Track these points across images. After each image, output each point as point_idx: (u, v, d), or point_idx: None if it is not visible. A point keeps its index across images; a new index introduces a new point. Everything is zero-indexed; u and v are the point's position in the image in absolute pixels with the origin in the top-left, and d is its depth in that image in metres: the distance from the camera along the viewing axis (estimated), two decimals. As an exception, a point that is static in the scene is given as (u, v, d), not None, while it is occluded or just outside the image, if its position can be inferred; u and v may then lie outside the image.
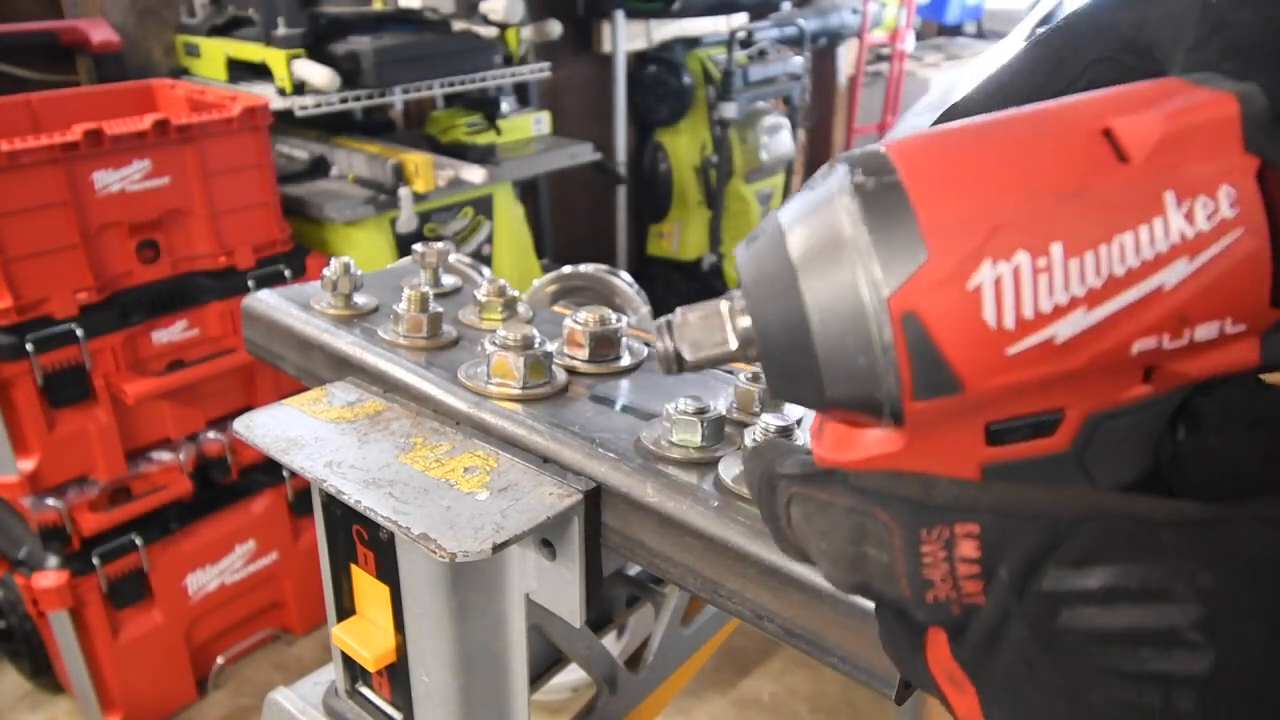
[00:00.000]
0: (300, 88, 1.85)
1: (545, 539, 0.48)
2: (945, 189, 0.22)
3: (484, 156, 2.11)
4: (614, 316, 0.57)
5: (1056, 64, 0.28)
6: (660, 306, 0.57)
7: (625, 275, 0.80)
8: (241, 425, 0.52)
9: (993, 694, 0.23)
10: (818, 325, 0.24)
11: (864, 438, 0.25)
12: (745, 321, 0.26)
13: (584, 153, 2.36)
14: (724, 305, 0.27)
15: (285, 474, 1.92)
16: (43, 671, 1.84)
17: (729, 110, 3.05)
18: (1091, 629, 0.21)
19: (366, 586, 0.56)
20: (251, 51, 1.89)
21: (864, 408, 0.24)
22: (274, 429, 0.52)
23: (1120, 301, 0.22)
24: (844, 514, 0.25)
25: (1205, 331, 0.22)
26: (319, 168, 2.07)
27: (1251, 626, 0.19)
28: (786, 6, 3.47)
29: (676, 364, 0.28)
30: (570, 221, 3.10)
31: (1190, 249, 0.22)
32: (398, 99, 1.98)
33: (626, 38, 2.91)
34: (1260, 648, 0.19)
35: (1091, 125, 0.23)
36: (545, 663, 0.64)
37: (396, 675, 0.57)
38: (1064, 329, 0.22)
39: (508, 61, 2.23)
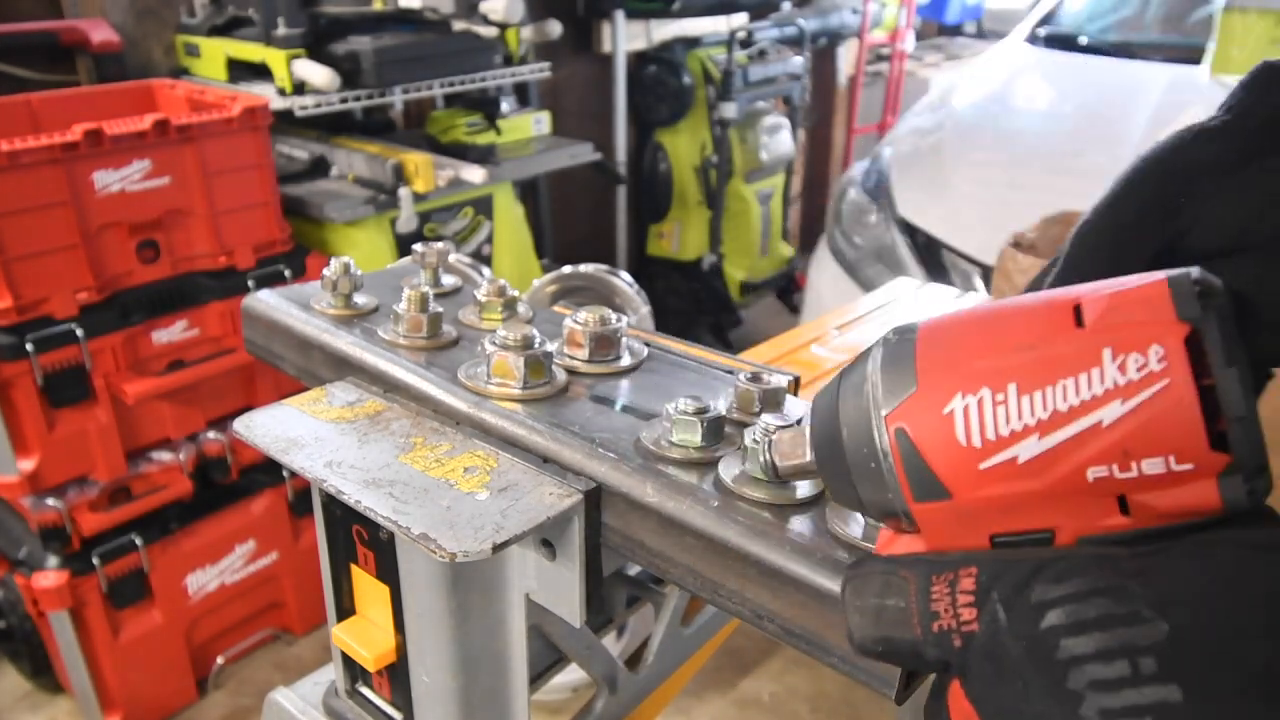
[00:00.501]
0: (300, 88, 1.85)
1: (545, 539, 0.48)
2: (940, 344, 0.31)
3: (484, 156, 2.11)
4: (614, 316, 0.57)
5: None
6: (660, 306, 0.57)
7: (625, 275, 0.80)
8: (241, 425, 0.52)
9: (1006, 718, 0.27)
10: (846, 439, 0.32)
11: (900, 540, 0.33)
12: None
13: (584, 153, 2.36)
14: (806, 429, 0.36)
15: (285, 474, 1.92)
16: (43, 671, 1.84)
17: (729, 110, 3.05)
18: (1068, 624, 0.25)
19: (366, 586, 0.56)
20: (251, 51, 1.89)
21: (885, 512, 0.32)
22: (274, 429, 0.52)
23: (1066, 432, 0.28)
24: (876, 577, 0.31)
25: (1152, 466, 0.27)
26: (319, 168, 2.07)
27: (1190, 600, 0.25)
28: (786, 6, 3.47)
29: (774, 471, 0.37)
30: (570, 221, 3.10)
31: (1123, 393, 0.27)
32: (398, 99, 1.98)
33: (626, 38, 2.91)
34: (1199, 614, 0.24)
35: (1068, 302, 0.29)
36: (545, 663, 0.64)
37: (396, 675, 0.57)
38: (1023, 451, 0.28)
39: (508, 61, 2.23)
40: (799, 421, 0.41)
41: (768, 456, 0.36)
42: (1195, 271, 0.28)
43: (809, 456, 0.35)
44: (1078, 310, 0.29)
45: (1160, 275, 0.29)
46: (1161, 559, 0.26)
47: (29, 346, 1.49)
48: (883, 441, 0.30)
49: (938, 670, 0.30)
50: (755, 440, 0.36)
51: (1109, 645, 0.24)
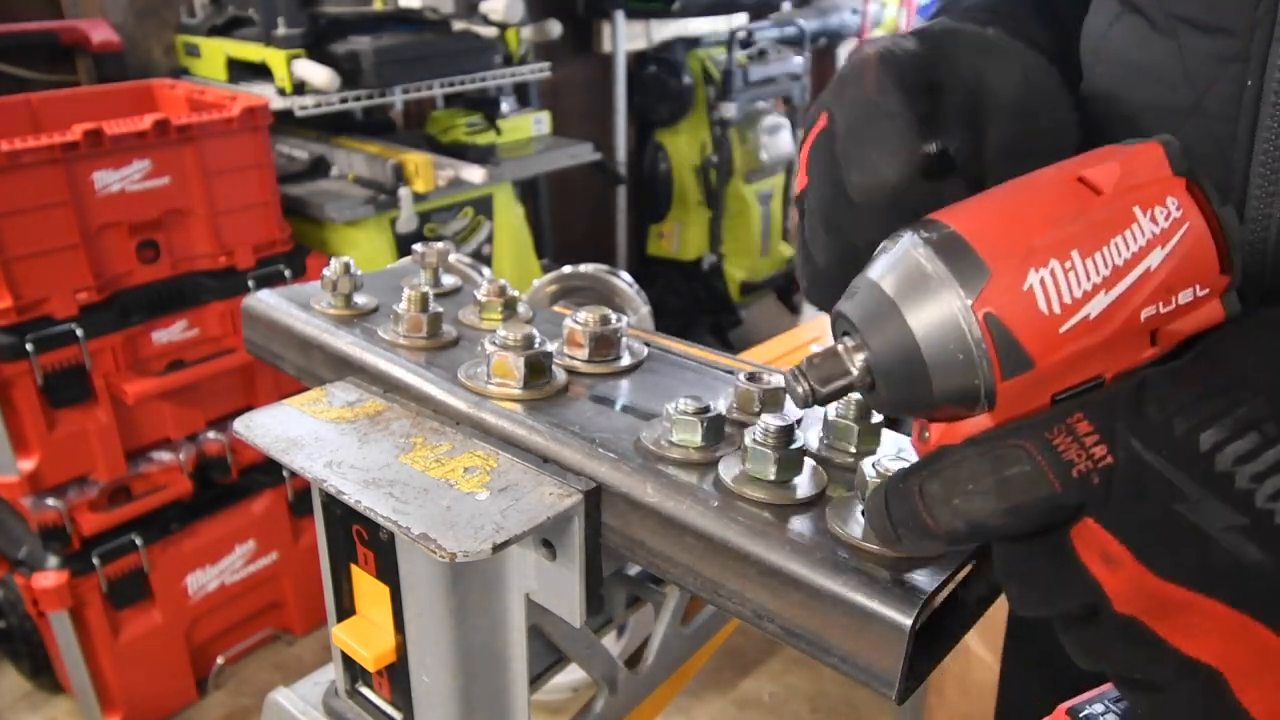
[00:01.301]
0: (300, 88, 1.85)
1: (545, 539, 0.48)
2: (989, 230, 0.33)
3: (484, 156, 2.11)
4: (614, 316, 0.57)
5: None
6: (660, 306, 0.57)
7: (625, 275, 0.80)
8: (241, 425, 0.52)
9: (1150, 536, 0.29)
10: (923, 339, 0.32)
11: (961, 428, 0.34)
12: (862, 355, 0.34)
13: (584, 153, 2.36)
14: (839, 346, 0.35)
15: (285, 474, 1.92)
16: (43, 671, 1.84)
17: (729, 110, 3.05)
18: (1196, 423, 0.29)
19: (366, 586, 0.56)
20: (251, 51, 1.89)
21: (965, 399, 0.33)
22: (274, 429, 0.52)
23: (1126, 282, 0.32)
24: (978, 458, 0.32)
25: (1185, 296, 0.33)
26: (319, 168, 2.07)
27: (1267, 372, 0.30)
28: (786, 6, 3.47)
29: (813, 398, 0.35)
30: (570, 221, 3.10)
31: (1160, 240, 0.32)
32: (398, 99, 1.98)
33: (626, 38, 2.91)
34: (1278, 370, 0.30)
35: (1070, 176, 0.34)
36: (545, 663, 0.64)
37: (396, 675, 0.57)
38: (1094, 307, 0.32)
39: (508, 61, 2.23)
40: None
41: (805, 385, 0.35)
42: (1167, 136, 0.34)
43: (856, 370, 0.34)
44: (1085, 182, 0.33)
45: (1147, 141, 0.34)
46: (1221, 353, 0.31)
47: (29, 346, 1.49)
48: (973, 330, 0.32)
49: (1065, 519, 0.31)
50: (794, 374, 0.35)
51: (1237, 426, 0.28)
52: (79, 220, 1.51)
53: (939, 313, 0.32)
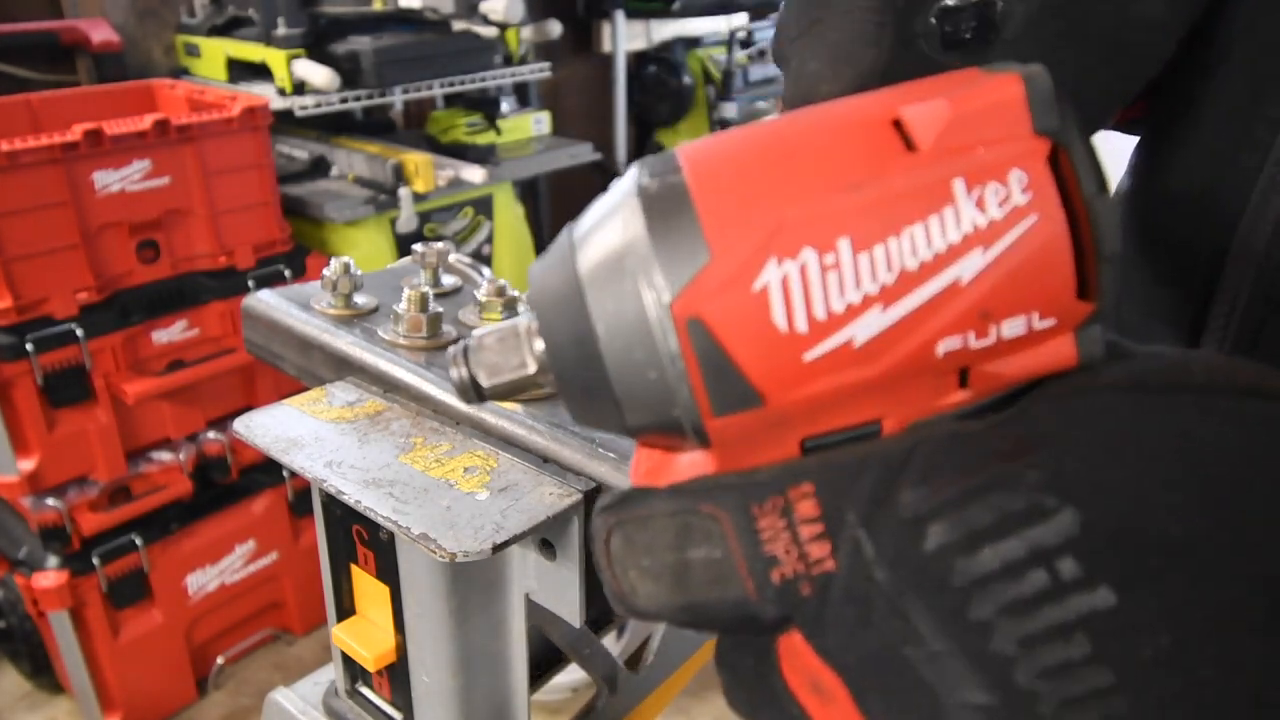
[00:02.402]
0: (300, 88, 1.85)
1: (545, 539, 0.48)
2: (730, 187, 0.21)
3: (484, 156, 2.11)
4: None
5: None
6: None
7: (625, 275, 0.80)
8: (241, 425, 0.52)
9: (869, 677, 0.21)
10: (605, 340, 0.22)
11: (677, 462, 0.24)
12: (540, 344, 0.25)
13: (584, 153, 2.36)
14: (521, 325, 0.25)
15: (285, 474, 1.92)
16: (43, 671, 1.84)
17: (729, 110, 3.04)
18: (958, 539, 0.19)
19: (366, 586, 0.56)
20: (251, 51, 1.89)
21: (666, 429, 0.23)
22: (274, 429, 0.52)
23: (916, 298, 0.21)
24: (665, 520, 0.23)
25: (1012, 328, 0.21)
26: (319, 168, 2.07)
27: (1092, 472, 0.19)
28: (786, 6, 3.47)
29: (474, 392, 0.26)
30: (570, 221, 3.10)
31: (984, 239, 0.21)
32: (398, 99, 1.98)
33: (626, 38, 2.91)
34: (1109, 489, 0.19)
35: (881, 116, 0.22)
36: (545, 663, 0.64)
37: (396, 675, 0.57)
38: (861, 330, 0.21)
39: (508, 61, 2.23)
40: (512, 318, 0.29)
41: (464, 372, 0.25)
42: (1039, 66, 0.21)
43: (532, 368, 0.25)
44: (899, 127, 0.21)
45: (1003, 71, 0.22)
46: (1035, 426, 0.20)
47: (29, 346, 1.49)
48: (669, 342, 0.21)
49: (766, 628, 0.23)
50: (453, 356, 0.26)
51: (1021, 555, 0.19)
52: (79, 220, 1.51)
53: (627, 306, 0.22)
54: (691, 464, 0.24)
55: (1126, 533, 0.19)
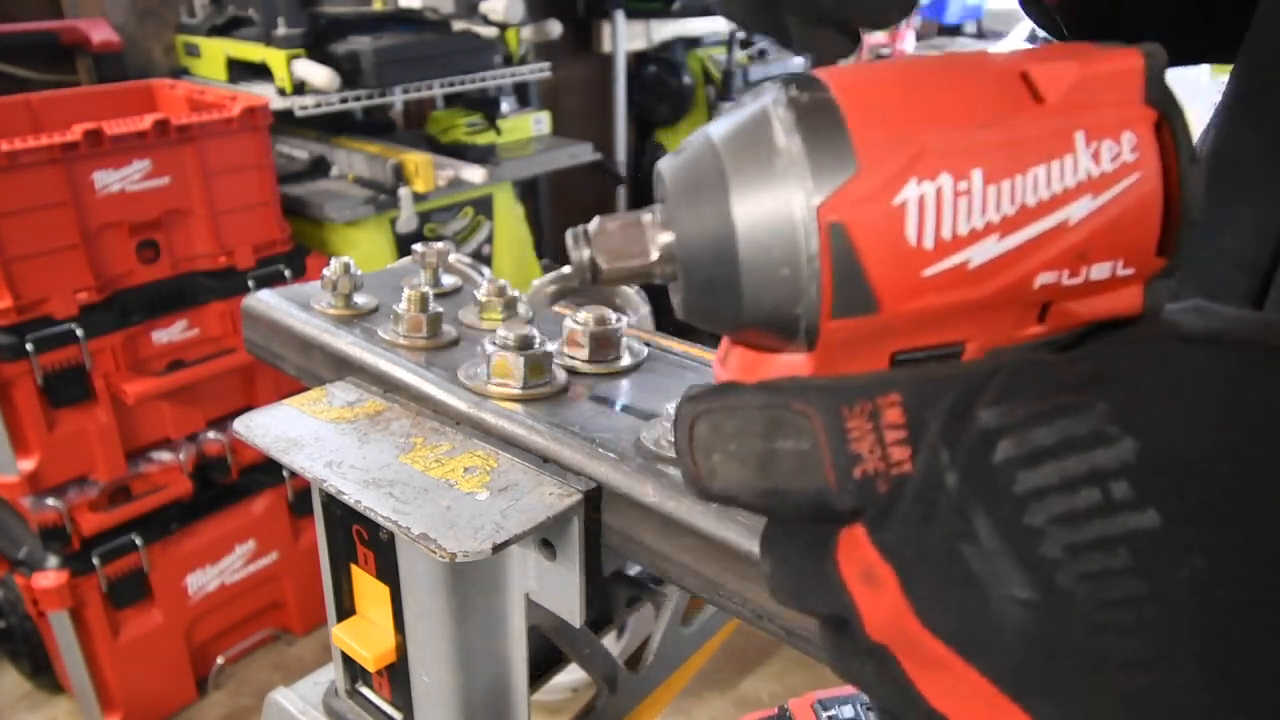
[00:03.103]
0: (300, 88, 1.85)
1: (545, 539, 0.48)
2: (876, 109, 0.23)
3: (484, 156, 2.11)
4: (614, 316, 0.57)
5: None
6: (660, 306, 0.57)
7: (625, 275, 0.80)
8: (241, 425, 0.52)
9: (921, 569, 0.23)
10: (745, 233, 0.24)
11: (772, 361, 0.26)
12: (667, 236, 0.25)
13: (584, 153, 2.36)
14: (646, 216, 0.26)
15: (285, 474, 1.92)
16: (43, 671, 1.84)
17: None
18: (1024, 454, 0.21)
19: (366, 586, 0.56)
20: (251, 51, 1.89)
21: (780, 327, 0.24)
22: (274, 429, 0.52)
23: (1030, 232, 0.23)
24: (755, 411, 0.24)
25: (1100, 271, 0.24)
26: (319, 168, 2.07)
27: (1158, 410, 0.21)
28: (786, 6, 3.47)
29: (591, 273, 0.26)
30: (570, 221, 3.06)
31: (1094, 187, 0.23)
32: (398, 99, 1.98)
33: (626, 38, 2.91)
34: (1171, 426, 0.21)
35: (1011, 69, 0.24)
36: (545, 663, 0.64)
37: (396, 675, 0.57)
38: (977, 254, 0.23)
39: (508, 61, 2.23)
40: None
41: (585, 254, 0.26)
42: (1158, 45, 0.24)
43: (654, 255, 0.26)
44: (1027, 80, 0.24)
45: (1128, 47, 0.24)
46: (1107, 363, 0.22)
47: (29, 346, 1.49)
48: (809, 242, 0.23)
49: (834, 518, 0.24)
50: (574, 237, 0.27)
51: (1074, 472, 0.21)
52: (79, 220, 1.51)
53: (772, 206, 0.23)
54: (786, 364, 0.25)
55: (1179, 466, 0.20)
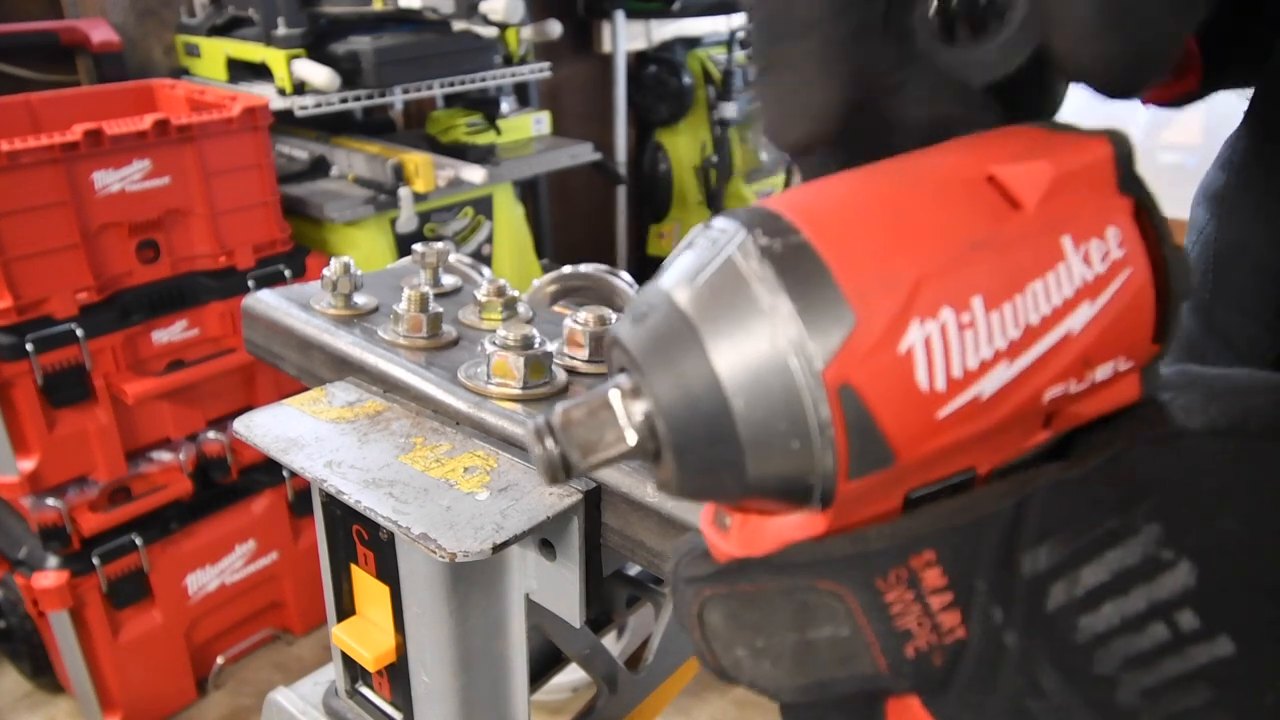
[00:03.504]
0: (300, 88, 1.85)
1: (545, 539, 0.48)
2: (856, 246, 0.21)
3: (484, 156, 2.11)
4: (614, 316, 0.57)
5: None
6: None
7: (625, 275, 0.80)
8: (241, 425, 0.52)
9: None
10: (743, 414, 0.21)
11: (779, 526, 0.23)
12: (641, 408, 0.22)
13: (584, 153, 2.36)
14: (613, 393, 0.23)
15: (285, 474, 1.92)
16: (43, 671, 1.84)
17: (729, 110, 3.05)
18: (1080, 598, 0.20)
19: (366, 586, 0.56)
20: (251, 51, 1.89)
21: (790, 495, 0.22)
22: (274, 429, 0.52)
23: (1037, 350, 0.21)
24: (779, 599, 0.22)
25: (1103, 372, 0.22)
26: (319, 168, 2.07)
27: (1202, 522, 0.20)
28: (786, 6, 3.47)
29: (564, 471, 0.23)
30: (570, 221, 3.10)
31: (1091, 292, 0.22)
32: (398, 99, 1.98)
33: (626, 38, 2.91)
34: (1221, 537, 0.20)
35: (975, 173, 0.22)
36: (545, 663, 0.64)
37: (396, 675, 0.57)
38: (989, 385, 0.21)
39: (508, 61, 2.23)
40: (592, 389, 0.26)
41: (554, 452, 0.23)
42: (1123, 131, 0.23)
43: (631, 440, 0.22)
44: (997, 185, 0.22)
45: (1093, 132, 0.23)
46: (1136, 473, 0.21)
47: (29, 346, 1.49)
48: (819, 411, 0.20)
49: (883, 695, 0.22)
50: (536, 432, 0.23)
51: (1135, 609, 0.19)
52: (79, 220, 1.51)
53: (768, 375, 0.21)
54: (798, 525, 0.23)
55: (1242, 583, 0.19)
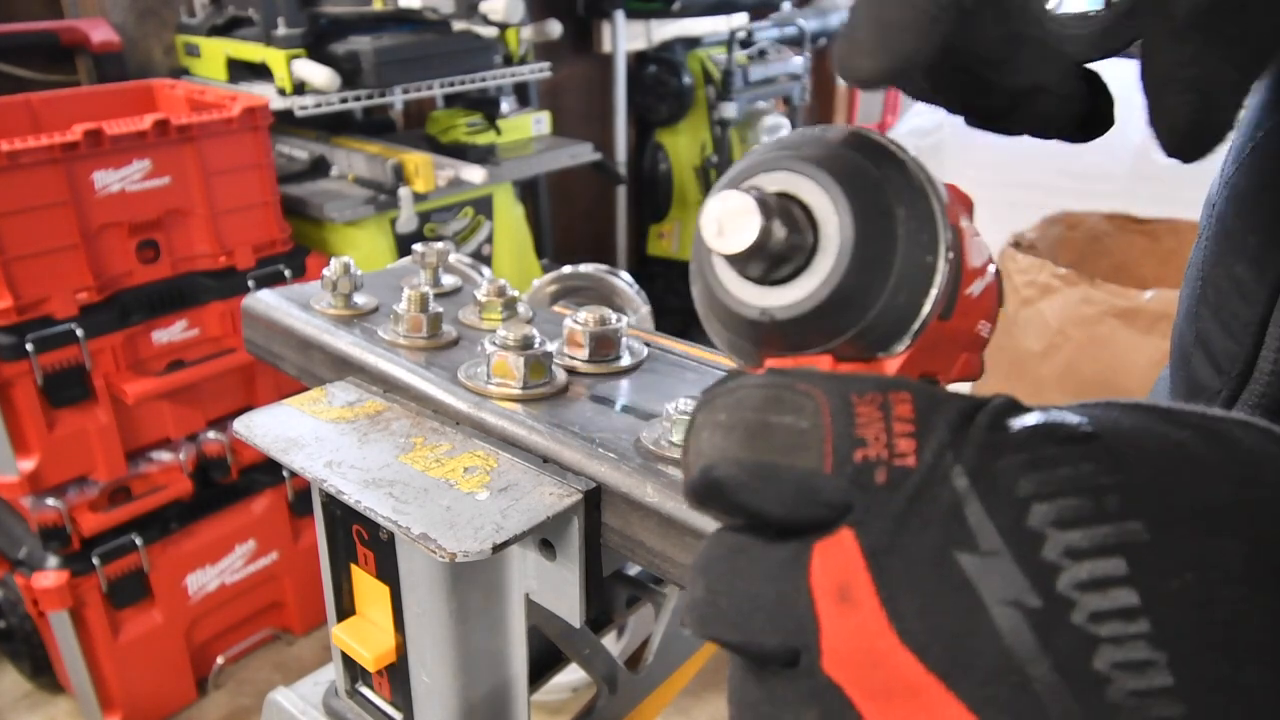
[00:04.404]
0: (300, 88, 1.85)
1: (545, 539, 0.48)
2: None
3: (484, 156, 2.11)
4: (614, 316, 0.57)
5: None
6: (660, 306, 0.57)
7: (625, 275, 0.80)
8: (241, 425, 0.52)
9: (908, 579, 0.21)
10: (906, 232, 0.24)
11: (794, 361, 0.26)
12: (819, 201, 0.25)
13: (584, 153, 2.36)
14: (753, 208, 0.24)
15: (285, 474, 1.92)
16: (43, 671, 1.84)
17: (729, 110, 3.05)
18: (1025, 460, 0.21)
19: (366, 586, 0.56)
20: (251, 51, 1.89)
21: (893, 328, 0.25)
22: (274, 429, 0.52)
23: (985, 280, 0.29)
24: (755, 389, 0.23)
25: (984, 328, 0.30)
26: (319, 168, 2.07)
27: (1135, 434, 0.22)
28: (786, 6, 3.47)
29: (763, 255, 0.24)
30: (570, 221, 3.10)
31: (984, 268, 0.29)
32: (398, 99, 1.98)
33: (626, 38, 2.91)
34: (1147, 447, 0.22)
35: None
36: (545, 663, 0.64)
37: (396, 675, 0.57)
38: (975, 288, 0.27)
39: (508, 61, 2.23)
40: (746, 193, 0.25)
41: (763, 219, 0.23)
42: None
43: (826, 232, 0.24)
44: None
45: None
46: (1107, 418, 0.23)
47: (29, 346, 1.49)
48: (948, 237, 0.25)
49: (818, 520, 0.23)
50: (706, 213, 0.24)
51: (1071, 479, 0.21)
52: (79, 220, 1.51)
53: (923, 210, 0.25)
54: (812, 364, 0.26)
55: (1163, 488, 0.21)
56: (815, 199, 0.24)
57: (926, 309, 0.25)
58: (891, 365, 0.25)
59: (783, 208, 0.24)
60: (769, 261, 0.24)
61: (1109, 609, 0.20)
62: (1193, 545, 0.20)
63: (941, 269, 0.24)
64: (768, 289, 0.25)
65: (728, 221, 0.23)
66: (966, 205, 0.29)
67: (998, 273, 0.31)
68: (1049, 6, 0.31)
